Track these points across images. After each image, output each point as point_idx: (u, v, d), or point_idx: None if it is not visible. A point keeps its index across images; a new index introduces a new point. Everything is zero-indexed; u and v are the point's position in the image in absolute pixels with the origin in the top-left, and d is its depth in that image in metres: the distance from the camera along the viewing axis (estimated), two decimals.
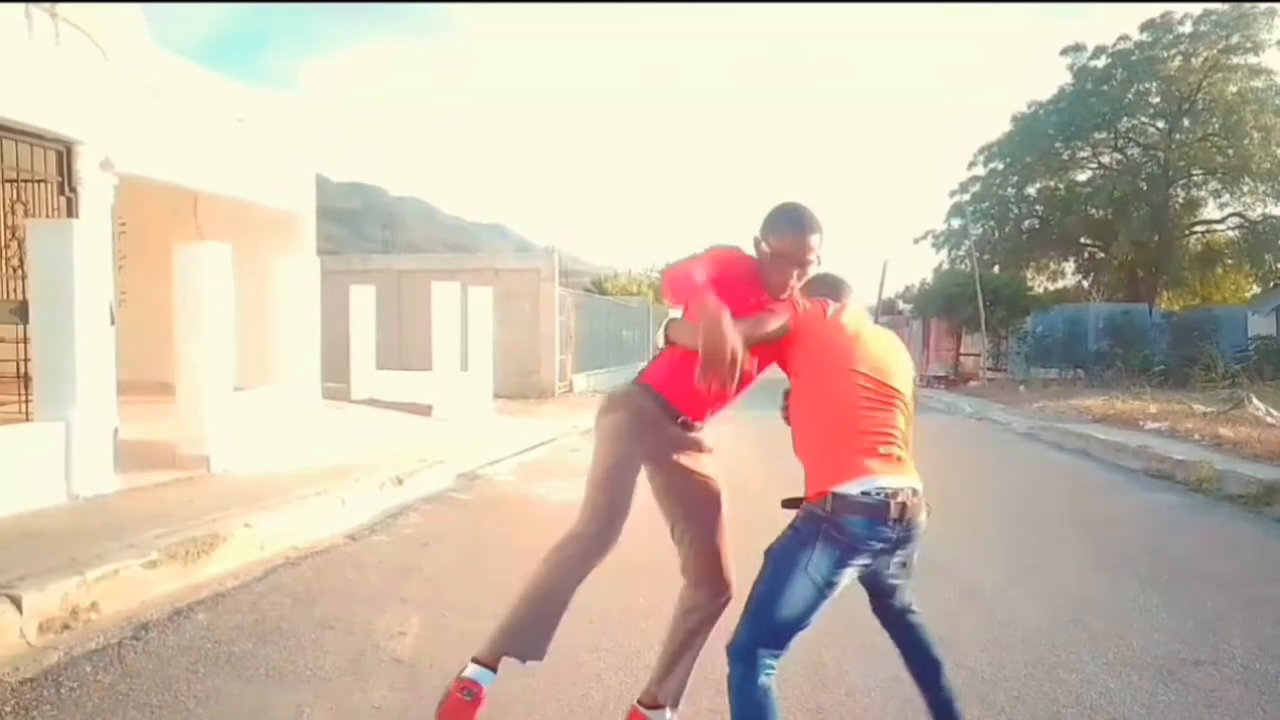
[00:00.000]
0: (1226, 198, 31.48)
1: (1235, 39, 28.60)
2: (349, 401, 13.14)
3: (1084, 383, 21.61)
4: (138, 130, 7.07)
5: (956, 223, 34.49)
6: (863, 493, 2.32)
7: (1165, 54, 29.53)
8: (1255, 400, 13.67)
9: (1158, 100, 30.49)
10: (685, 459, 2.81)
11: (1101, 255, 33.67)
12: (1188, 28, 29.20)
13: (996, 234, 34.46)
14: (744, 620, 2.42)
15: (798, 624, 2.39)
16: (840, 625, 4.31)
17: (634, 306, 32.28)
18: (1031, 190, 34.10)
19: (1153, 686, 3.58)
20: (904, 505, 2.33)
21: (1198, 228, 32.80)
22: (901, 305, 42.03)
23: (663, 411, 2.73)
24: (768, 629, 2.37)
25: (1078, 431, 12.44)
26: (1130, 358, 22.17)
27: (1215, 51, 28.88)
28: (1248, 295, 31.61)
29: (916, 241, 36.79)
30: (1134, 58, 29.94)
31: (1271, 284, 30.17)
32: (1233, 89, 29.19)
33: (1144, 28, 29.95)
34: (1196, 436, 11.03)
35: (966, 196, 34.48)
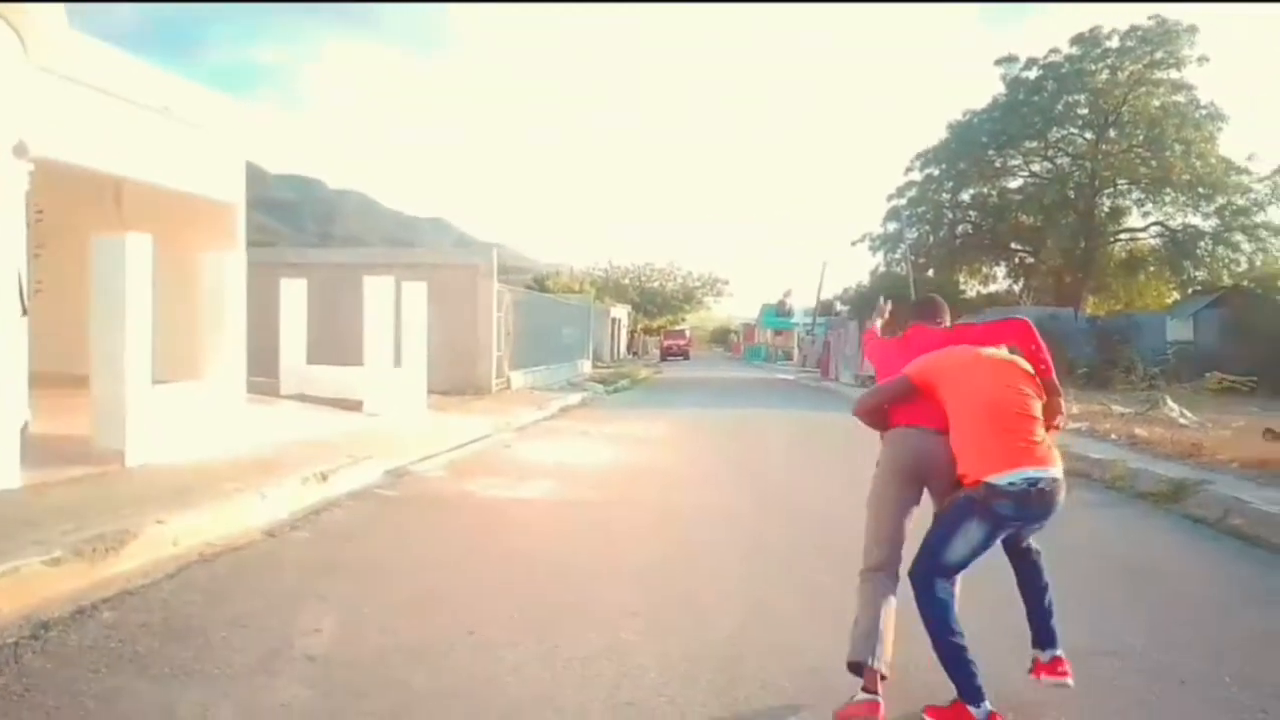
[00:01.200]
0: (1149, 207, 32.75)
1: (1159, 54, 29.71)
2: (278, 397, 12.88)
3: None
4: (55, 115, 6.84)
5: (893, 226, 35.20)
6: (1009, 483, 3.10)
7: (1093, 67, 30.54)
8: (1170, 402, 14.20)
9: (1086, 112, 31.51)
10: None
11: (1031, 260, 34.67)
12: (1115, 43, 30.24)
13: (931, 238, 35.30)
14: (919, 557, 3.32)
15: (959, 566, 3.30)
16: (759, 622, 4.37)
17: (574, 304, 32.19)
18: (965, 196, 34.98)
19: None
20: (1043, 491, 3.13)
21: (1122, 235, 33.98)
22: (840, 306, 42.65)
23: None
24: (937, 565, 3.26)
25: None
26: (1056, 360, 22.78)
27: (1140, 66, 29.98)
28: (1169, 302, 32.77)
29: (854, 244, 37.54)
30: (1064, 70, 30.91)
31: (1190, 291, 31.35)
32: (1156, 103, 30.32)
33: (1074, 41, 30.93)
34: (1114, 436, 11.40)
35: (903, 201, 35.26)
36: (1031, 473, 3.12)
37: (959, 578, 3.35)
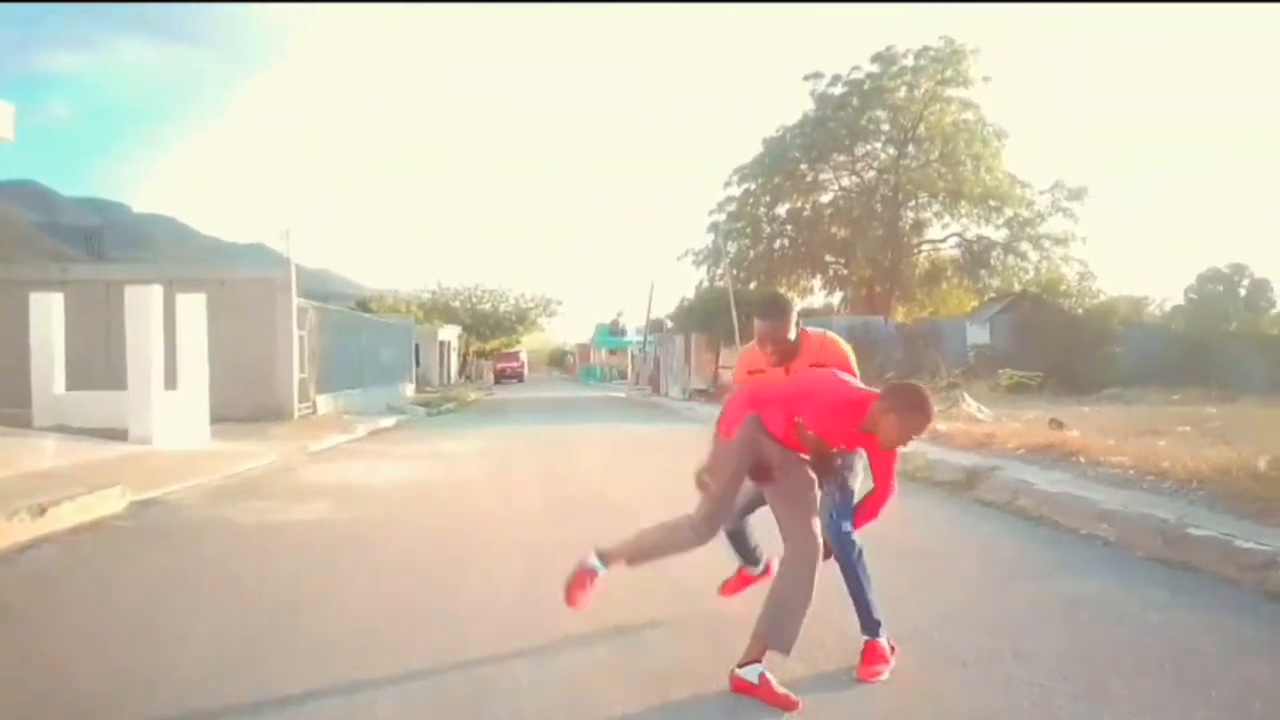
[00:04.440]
0: (948, 219, 34.89)
1: (949, 73, 31.70)
2: (29, 429, 11.37)
3: None
4: None
5: (714, 240, 35.80)
6: None
7: (892, 84, 32.25)
8: (968, 399, 14.83)
9: (888, 128, 33.25)
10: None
11: (845, 272, 36.06)
12: (910, 61, 32.01)
13: (751, 252, 36.11)
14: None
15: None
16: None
17: (394, 324, 30.90)
18: (782, 210, 36.07)
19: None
20: None
21: (925, 246, 35.94)
22: (669, 323, 43.02)
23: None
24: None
25: None
26: (867, 365, 23.70)
27: (933, 84, 31.88)
28: (969, 308, 34.88)
29: (679, 259, 37.95)
30: (866, 87, 32.45)
31: (987, 297, 33.51)
32: (949, 120, 32.38)
33: (874, 59, 32.52)
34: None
35: (723, 216, 35.89)
36: None
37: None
